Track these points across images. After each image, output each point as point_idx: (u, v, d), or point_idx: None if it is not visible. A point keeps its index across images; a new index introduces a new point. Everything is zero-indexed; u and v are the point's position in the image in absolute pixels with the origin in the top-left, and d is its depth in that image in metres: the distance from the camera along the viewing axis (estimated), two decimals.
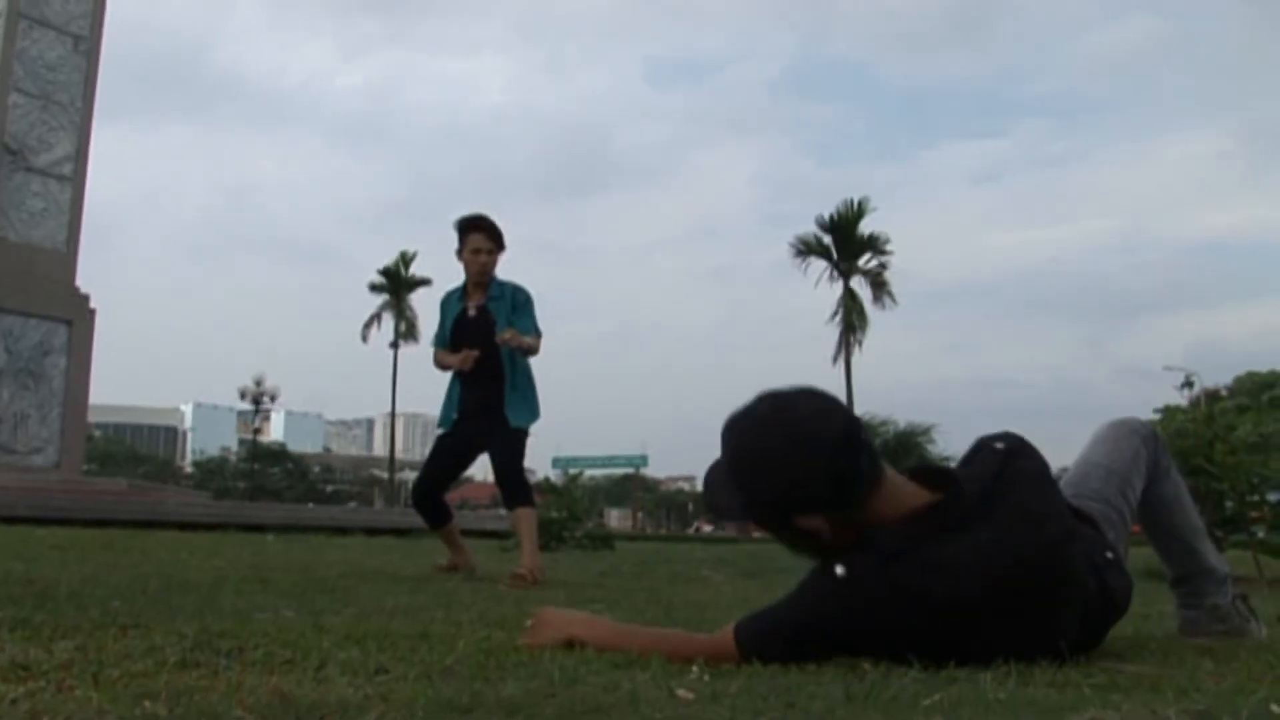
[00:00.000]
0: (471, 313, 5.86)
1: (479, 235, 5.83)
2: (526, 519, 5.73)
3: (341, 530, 13.46)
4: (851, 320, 43.02)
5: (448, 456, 6.01)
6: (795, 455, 2.21)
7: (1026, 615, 2.31)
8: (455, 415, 5.91)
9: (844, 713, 1.85)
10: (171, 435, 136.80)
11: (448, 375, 5.92)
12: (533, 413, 5.87)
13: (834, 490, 2.22)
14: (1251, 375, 51.37)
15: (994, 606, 2.26)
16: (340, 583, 4.83)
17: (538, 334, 5.84)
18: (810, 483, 2.22)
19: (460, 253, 5.87)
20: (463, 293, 5.94)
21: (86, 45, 15.48)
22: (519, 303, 5.84)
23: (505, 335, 5.64)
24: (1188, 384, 53.85)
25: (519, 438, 5.83)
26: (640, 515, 67.50)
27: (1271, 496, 7.01)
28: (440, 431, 6.05)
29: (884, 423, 26.40)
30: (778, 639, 2.32)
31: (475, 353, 5.69)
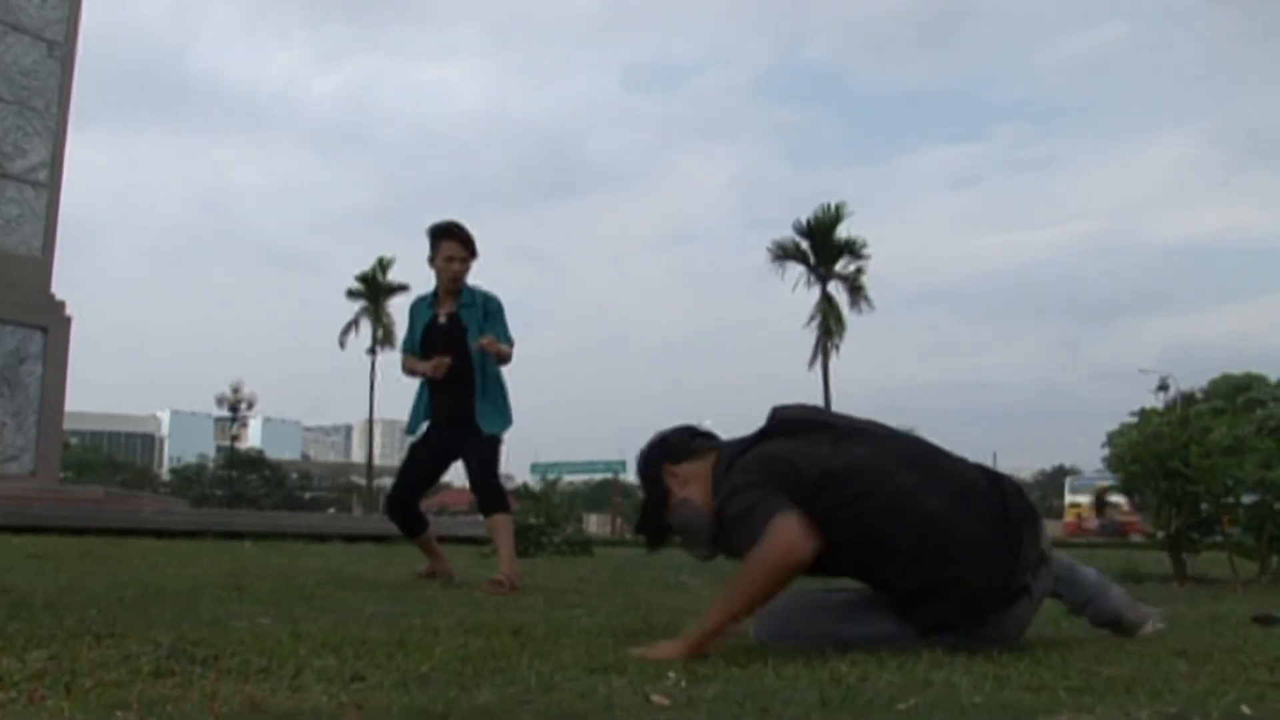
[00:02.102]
0: (442, 320, 5.83)
1: (452, 243, 5.79)
2: (503, 526, 5.71)
3: (320, 537, 13.39)
4: (829, 324, 43.16)
5: (421, 465, 5.99)
6: (645, 450, 3.19)
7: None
8: (426, 423, 5.90)
9: (819, 717, 1.86)
10: (149, 442, 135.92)
11: (418, 381, 5.92)
12: (505, 419, 5.86)
13: (682, 443, 3.14)
14: (1226, 378, 51.56)
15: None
16: (318, 590, 4.82)
17: (510, 342, 5.84)
18: (667, 440, 3.17)
19: (432, 260, 5.83)
20: (433, 299, 5.90)
21: (62, 51, 15.38)
22: (491, 311, 5.83)
23: (484, 340, 5.63)
24: (1163, 387, 54.18)
25: (492, 445, 5.82)
26: (619, 521, 67.39)
27: (1246, 499, 7.05)
28: (411, 440, 6.02)
29: None
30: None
31: (447, 360, 5.67)
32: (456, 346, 5.71)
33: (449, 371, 5.68)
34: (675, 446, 3.16)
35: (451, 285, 5.82)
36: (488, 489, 5.79)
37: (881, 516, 2.83)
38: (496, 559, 5.82)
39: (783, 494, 2.78)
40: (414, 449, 5.98)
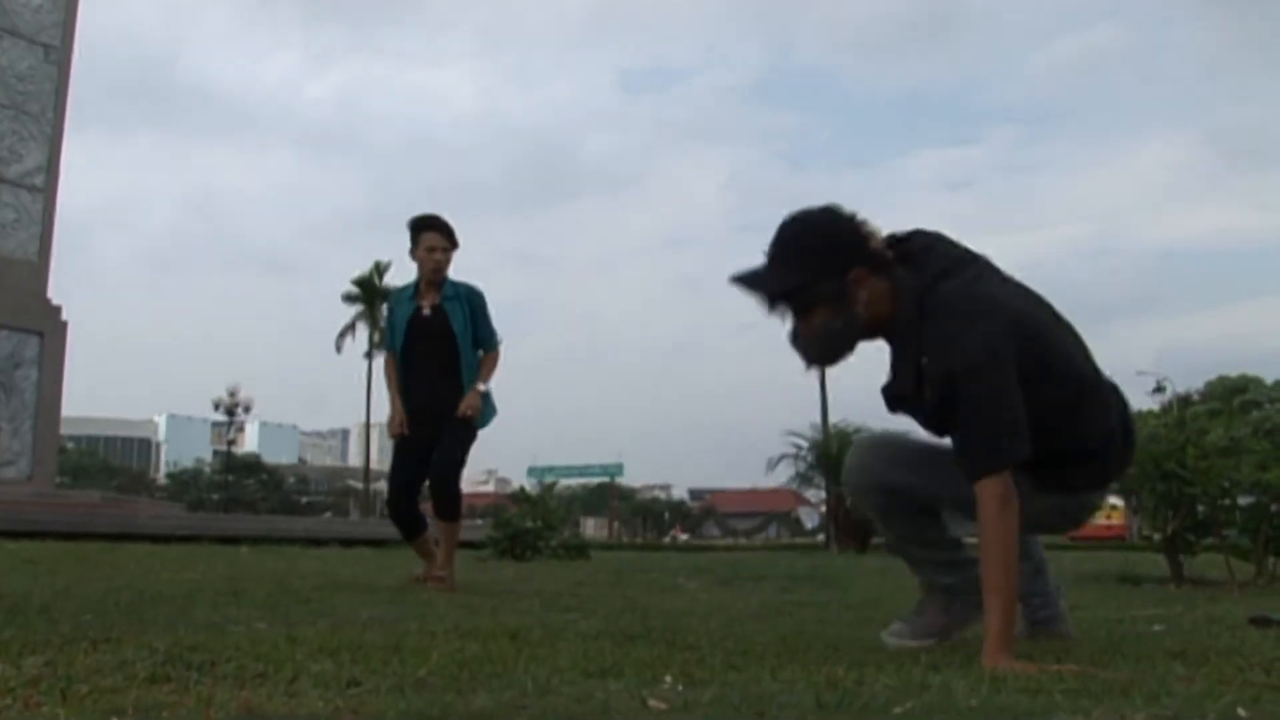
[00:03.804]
0: (426, 312, 5.80)
1: (433, 234, 5.79)
2: (453, 531, 5.80)
3: (316, 541, 13.39)
4: None
5: (412, 462, 5.91)
6: (839, 219, 2.80)
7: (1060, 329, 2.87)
8: (409, 413, 5.83)
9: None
10: (145, 447, 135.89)
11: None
12: (491, 410, 5.88)
13: (880, 253, 2.79)
14: (1223, 380, 51.55)
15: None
16: (314, 594, 4.81)
17: (495, 340, 5.87)
18: (850, 235, 2.78)
19: (414, 252, 5.83)
20: (415, 291, 5.88)
21: (57, 55, 15.38)
22: (476, 305, 5.82)
23: (466, 412, 5.66)
24: (1159, 389, 54.17)
25: (465, 436, 5.78)
26: (616, 524, 67.35)
27: (1243, 500, 7.05)
28: (395, 441, 5.95)
29: (858, 430, 26.49)
30: (1007, 436, 2.66)
31: (405, 432, 5.75)
32: (440, 339, 5.73)
33: (431, 363, 5.72)
34: (876, 255, 2.80)
35: (434, 276, 5.80)
36: (446, 489, 5.78)
37: (1058, 370, 2.79)
38: (439, 552, 5.86)
39: (1018, 396, 2.64)
40: (399, 448, 5.92)
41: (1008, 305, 2.76)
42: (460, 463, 5.82)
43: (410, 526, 6.00)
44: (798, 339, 2.85)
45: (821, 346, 2.87)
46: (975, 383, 2.65)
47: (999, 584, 2.62)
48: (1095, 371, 2.93)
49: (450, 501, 5.78)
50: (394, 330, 5.94)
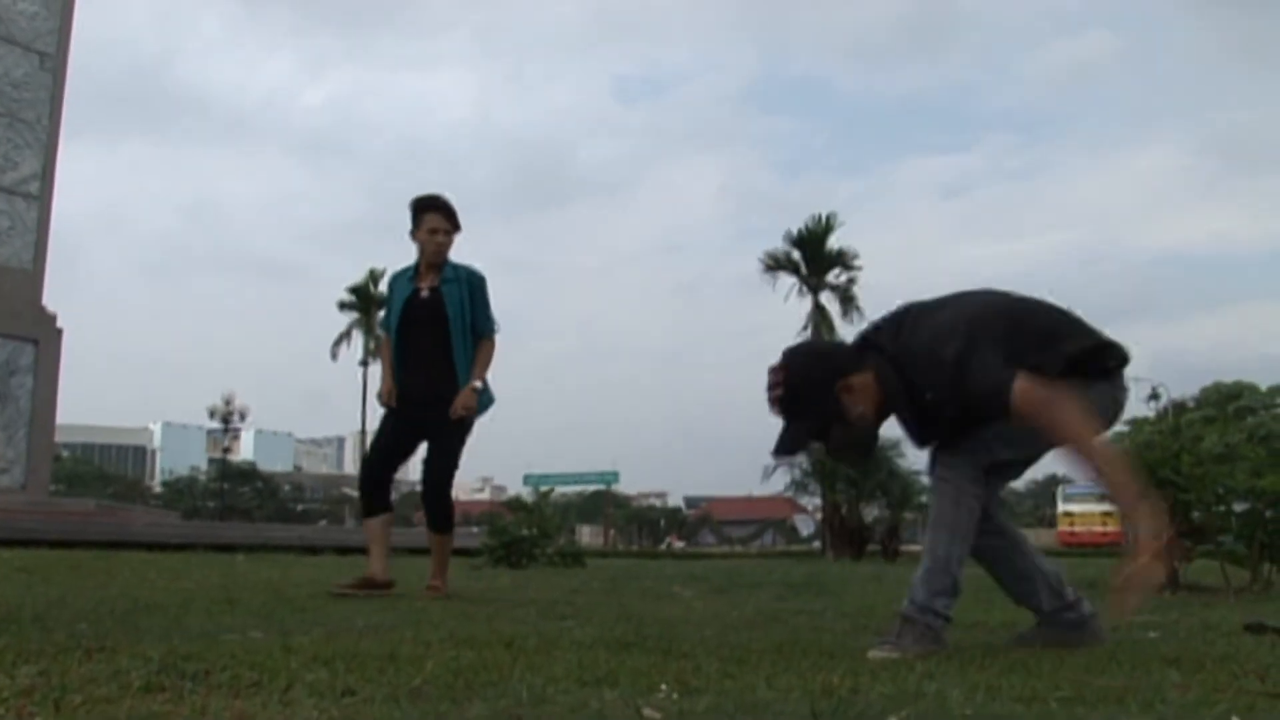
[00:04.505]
0: (425, 294, 5.71)
1: (436, 215, 5.72)
2: (445, 544, 5.75)
3: (312, 549, 13.37)
4: (821, 335, 43.13)
5: (394, 440, 5.78)
6: (808, 358, 3.34)
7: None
8: (400, 392, 5.70)
9: None
10: (140, 455, 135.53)
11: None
12: (488, 397, 5.76)
13: (847, 357, 3.27)
14: (1217, 386, 51.48)
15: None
16: (309, 603, 4.80)
17: (493, 326, 5.79)
18: (820, 365, 3.25)
19: (415, 233, 5.75)
20: (414, 273, 5.79)
21: (53, 62, 15.35)
22: (475, 288, 5.75)
23: (460, 413, 5.58)
24: (1154, 395, 54.18)
25: (460, 435, 5.68)
26: (612, 532, 67.26)
27: (1238, 507, 7.05)
28: (383, 412, 5.81)
29: None
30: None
31: (394, 403, 5.68)
32: (438, 321, 5.65)
33: (426, 348, 5.64)
34: (846, 359, 3.29)
35: (435, 258, 5.72)
36: (439, 502, 5.72)
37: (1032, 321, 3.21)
38: (430, 563, 5.80)
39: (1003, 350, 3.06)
40: (385, 421, 5.81)
41: (960, 316, 3.17)
42: (452, 472, 5.74)
43: (376, 499, 5.77)
44: (832, 454, 3.49)
45: (851, 452, 3.45)
46: (966, 352, 3.05)
47: (1088, 443, 2.94)
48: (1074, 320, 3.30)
49: (443, 514, 5.73)
50: (390, 311, 5.85)
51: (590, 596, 5.93)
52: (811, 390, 3.18)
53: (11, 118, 14.83)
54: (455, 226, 5.78)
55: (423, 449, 5.76)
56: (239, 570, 7.87)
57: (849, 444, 3.32)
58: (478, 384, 5.69)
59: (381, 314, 5.96)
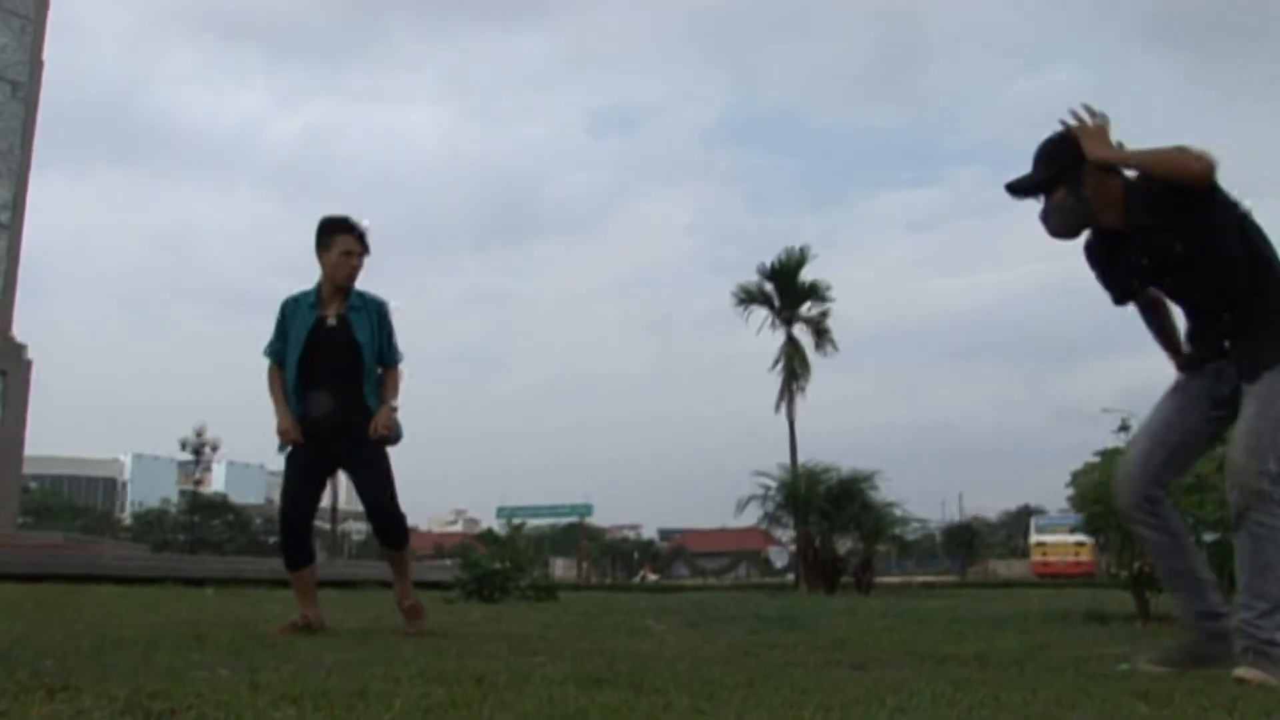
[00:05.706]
0: (332, 321, 5.41)
1: (349, 236, 5.43)
2: (406, 560, 5.58)
3: (283, 583, 13.25)
4: (794, 368, 43.18)
5: (310, 476, 5.51)
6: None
7: None
8: (304, 426, 5.39)
9: None
10: (110, 486, 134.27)
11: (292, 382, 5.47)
12: (398, 430, 5.48)
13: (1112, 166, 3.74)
14: None
15: None
16: (279, 639, 4.76)
17: (398, 355, 5.56)
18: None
19: (323, 255, 5.43)
20: (315, 299, 5.46)
21: (25, 92, 15.32)
22: (382, 316, 5.51)
23: (382, 431, 5.35)
24: (1124, 427, 54.45)
25: (387, 463, 5.48)
26: (586, 564, 67.02)
27: (1208, 537, 7.08)
28: (285, 455, 5.48)
29: (826, 470, 26.58)
30: None
31: (299, 438, 5.36)
32: (345, 350, 5.39)
33: (331, 374, 5.37)
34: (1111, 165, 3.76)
35: (346, 282, 5.43)
36: (390, 516, 5.49)
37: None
38: (396, 589, 5.61)
39: None
40: (291, 462, 5.47)
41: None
42: (393, 489, 5.49)
43: (301, 551, 5.52)
44: (1044, 214, 3.83)
45: (1059, 218, 3.81)
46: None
47: (1142, 153, 3.62)
48: None
49: (397, 528, 5.52)
50: (286, 341, 5.50)
51: (562, 631, 5.90)
52: (1067, 153, 3.72)
53: None
54: (367, 250, 5.51)
55: (338, 483, 5.57)
56: (209, 605, 7.80)
57: (1059, 210, 3.78)
58: (394, 403, 5.48)
59: (267, 342, 5.58)
